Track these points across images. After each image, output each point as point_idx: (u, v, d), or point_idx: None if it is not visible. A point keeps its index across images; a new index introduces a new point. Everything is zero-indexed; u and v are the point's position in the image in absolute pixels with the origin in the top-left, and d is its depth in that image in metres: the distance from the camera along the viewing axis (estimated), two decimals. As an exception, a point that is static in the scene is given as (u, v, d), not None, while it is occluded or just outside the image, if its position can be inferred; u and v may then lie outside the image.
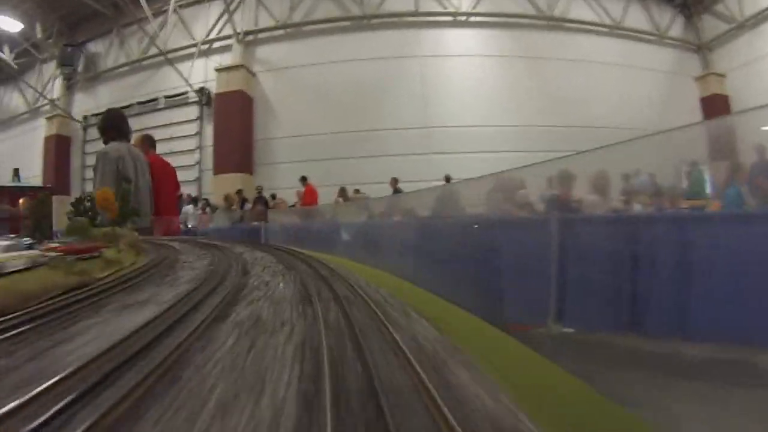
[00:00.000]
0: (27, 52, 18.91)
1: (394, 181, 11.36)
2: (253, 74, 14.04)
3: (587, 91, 13.96)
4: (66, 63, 17.74)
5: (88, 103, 17.01)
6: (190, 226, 11.42)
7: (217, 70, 14.15)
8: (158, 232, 5.84)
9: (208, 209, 11.94)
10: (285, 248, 2.97)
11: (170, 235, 5.58)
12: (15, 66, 19.25)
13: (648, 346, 3.24)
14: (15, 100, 20.38)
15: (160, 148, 14.78)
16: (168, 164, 6.74)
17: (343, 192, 11.48)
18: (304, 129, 13.35)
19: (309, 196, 11.46)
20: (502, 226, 4.90)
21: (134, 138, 6.27)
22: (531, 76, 13.81)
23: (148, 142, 6.62)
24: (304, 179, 11.67)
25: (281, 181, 12.87)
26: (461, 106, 13.27)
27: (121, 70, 16.80)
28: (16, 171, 21.34)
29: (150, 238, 3.53)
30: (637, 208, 4.63)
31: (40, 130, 18.26)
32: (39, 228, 4.28)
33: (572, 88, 13.84)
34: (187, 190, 13.19)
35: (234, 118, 13.85)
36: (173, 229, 6.06)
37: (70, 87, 17.77)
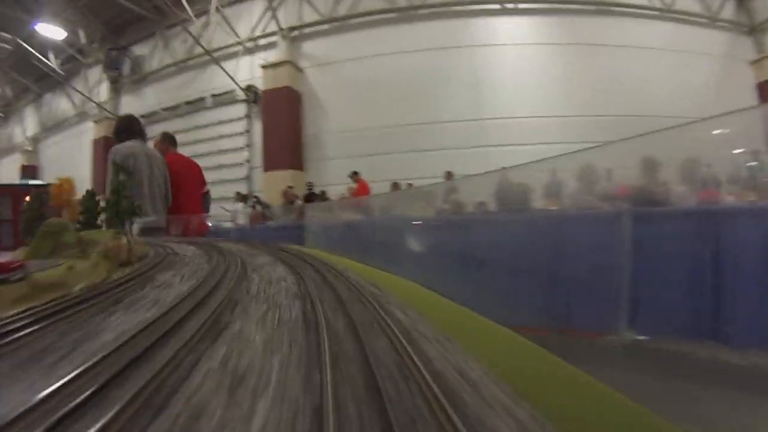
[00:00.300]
0: (72, 58, 19.41)
1: (449, 175, 11.05)
2: (300, 70, 13.88)
3: (638, 78, 13.50)
4: (111, 67, 18.04)
5: (135, 104, 17.22)
6: (239, 224, 11.40)
7: (263, 66, 14.04)
8: (177, 232, 5.72)
9: (258, 207, 11.84)
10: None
11: (191, 235, 5.45)
12: (61, 72, 19.78)
13: (731, 358, 3.00)
14: (63, 105, 20.88)
15: (207, 147, 15.13)
16: (190, 161, 6.61)
17: (396, 187, 11.05)
18: (354, 123, 13.14)
19: (361, 192, 11.22)
20: (570, 222, 4.54)
21: (155, 136, 6.24)
22: (581, 64, 13.40)
23: (168, 140, 6.54)
24: (355, 174, 11.45)
25: (332, 177, 12.73)
26: (513, 96, 12.91)
27: (166, 71, 16.89)
28: (24, 168, 21.82)
29: (154, 240, 3.30)
30: (728, 200, 4.17)
31: (88, 133, 18.65)
32: (30, 230, 4.02)
33: (623, 76, 13.40)
34: (236, 188, 13.10)
35: (282, 115, 13.68)
36: (195, 228, 5.87)
37: (116, 90, 18.04)
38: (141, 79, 17.26)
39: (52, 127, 20.21)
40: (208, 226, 6.38)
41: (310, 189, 11.97)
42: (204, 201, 6.31)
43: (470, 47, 13.38)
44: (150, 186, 4.76)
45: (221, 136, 14.84)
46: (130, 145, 4.76)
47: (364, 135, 12.99)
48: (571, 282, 3.80)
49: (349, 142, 13.17)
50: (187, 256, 2.13)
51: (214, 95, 15.41)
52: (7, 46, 18.83)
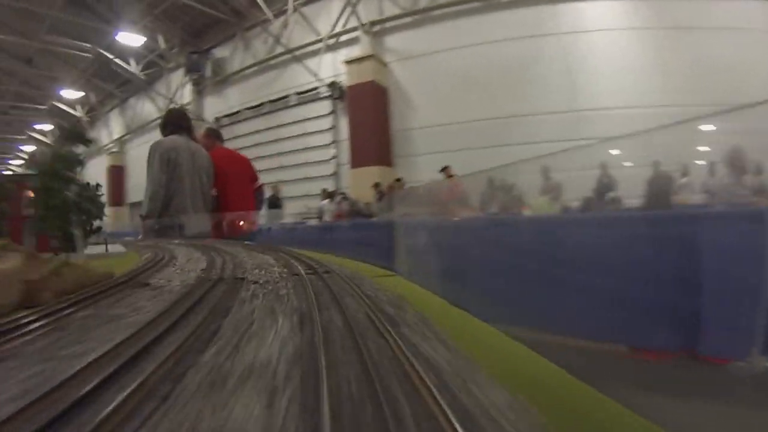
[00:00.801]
0: (153, 63, 20.25)
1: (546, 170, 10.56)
2: (384, 64, 13.71)
3: (735, 62, 12.63)
4: (193, 69, 18.62)
5: (219, 105, 17.68)
6: (325, 220, 11.32)
7: (347, 62, 13.98)
8: (220, 230, 5.53)
9: (344, 203, 11.77)
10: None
11: (237, 233, 5.38)
12: (143, 77, 20.80)
13: None
14: (147, 108, 21.73)
15: (293, 144, 15.21)
16: (239, 156, 6.49)
17: (490, 183, 10.63)
18: (442, 118, 12.84)
19: (454, 188, 10.83)
20: (709, 221, 3.67)
21: (200, 131, 6.13)
22: (675, 49, 12.61)
23: (214, 135, 6.49)
24: (445, 169, 11.13)
25: (421, 173, 12.52)
26: (605, 86, 12.27)
27: (248, 71, 17.17)
28: (111, 169, 22.62)
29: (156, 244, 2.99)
30: None
31: None
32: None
33: (719, 61, 12.57)
34: (323, 185, 13.03)
35: (368, 110, 13.57)
36: (241, 226, 5.74)
37: (199, 92, 18.59)
38: (223, 80, 17.66)
39: (137, 130, 20.94)
40: (256, 224, 6.20)
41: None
42: (257, 197, 6.18)
43: (558, 35, 12.85)
44: (192, 182, 4.65)
45: (307, 134, 14.92)
46: (173, 138, 4.68)
47: (452, 130, 12.68)
48: (703, 295, 3.15)
49: (438, 137, 12.91)
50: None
51: (298, 93, 15.46)
52: (88, 55, 19.82)
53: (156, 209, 4.42)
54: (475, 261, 4.44)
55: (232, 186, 5.46)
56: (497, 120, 12.41)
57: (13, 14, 17.06)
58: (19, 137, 31.74)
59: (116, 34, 17.47)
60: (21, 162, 37.50)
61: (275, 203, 11.79)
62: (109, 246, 3.87)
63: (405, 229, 6.25)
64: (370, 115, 13.49)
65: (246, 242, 5.37)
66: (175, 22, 17.94)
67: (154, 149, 4.58)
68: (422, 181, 12.02)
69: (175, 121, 4.84)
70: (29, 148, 32.78)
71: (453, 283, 3.78)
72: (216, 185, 5.66)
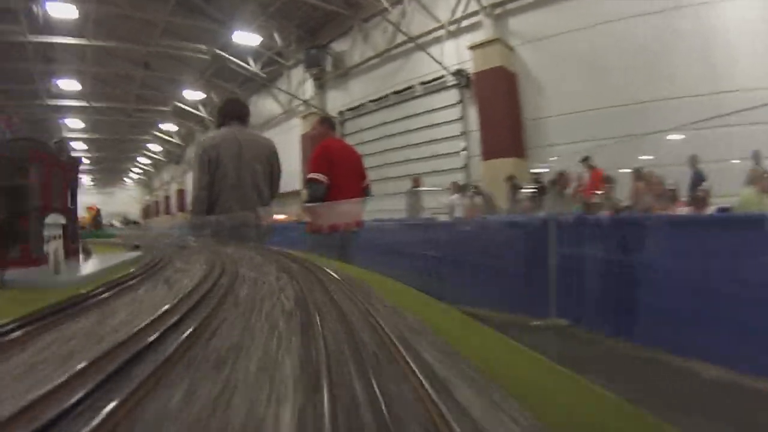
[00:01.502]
0: (272, 60, 21.25)
1: (694, 160, 9.56)
2: (511, 48, 13.63)
3: None
4: (312, 65, 19.14)
5: (342, 98, 18.38)
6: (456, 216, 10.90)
7: (471, 47, 13.99)
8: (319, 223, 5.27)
9: (477, 198, 11.38)
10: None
11: (335, 229, 5.12)
12: (263, 75, 21.79)
13: None
14: (269, 105, 23.03)
15: (420, 137, 15.20)
16: (350, 149, 6.20)
17: (639, 175, 9.41)
18: (578, 104, 12.49)
19: (595, 182, 10.04)
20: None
21: (313, 120, 5.78)
22: None
23: (328, 124, 6.14)
24: (586, 159, 10.45)
25: (556, 165, 11.96)
26: (748, 64, 10.95)
27: (369, 63, 17.57)
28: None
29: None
30: None
31: (296, 129, 20.32)
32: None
33: None
34: (453, 178, 13.13)
35: (497, 98, 13.36)
36: (342, 223, 5.31)
37: (320, 86, 19.26)
38: (344, 73, 18.12)
39: (260, 126, 21.75)
40: (361, 221, 5.86)
41: (537, 179, 11.05)
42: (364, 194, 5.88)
43: (696, 6, 11.47)
44: (240, 176, 4.30)
45: (434, 125, 14.88)
46: (220, 133, 4.39)
47: (590, 117, 12.25)
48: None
49: (574, 126, 12.51)
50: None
51: (422, 83, 15.60)
52: (205, 56, 21.00)
53: (201, 212, 4.30)
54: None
55: (339, 179, 5.30)
56: (635, 106, 11.67)
57: (127, 22, 18.55)
58: (145, 137, 33.97)
59: (232, 35, 18.36)
60: (149, 161, 40.11)
61: (414, 197, 11.62)
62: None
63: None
64: (499, 103, 13.34)
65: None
66: (290, 19, 18.78)
67: (196, 150, 4.42)
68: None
69: (226, 112, 4.64)
70: (156, 147, 35.06)
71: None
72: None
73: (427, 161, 15.15)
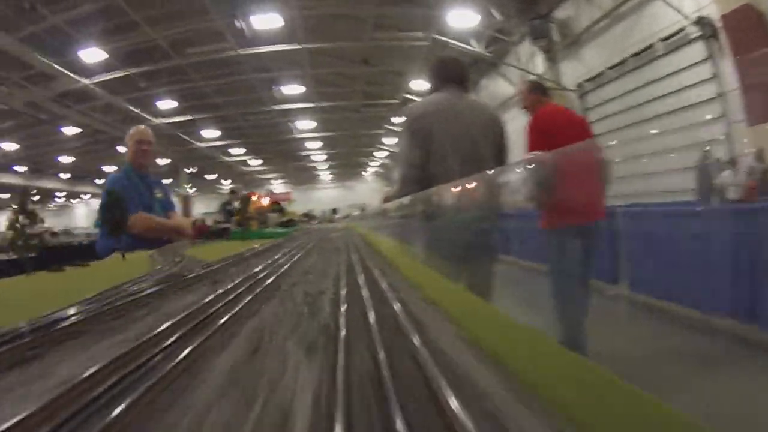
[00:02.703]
0: (496, 39, 20.78)
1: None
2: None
3: None
4: (538, 36, 18.26)
5: (578, 69, 17.88)
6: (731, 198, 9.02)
7: (710, -16, 13.31)
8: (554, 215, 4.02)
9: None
10: None
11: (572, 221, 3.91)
12: (489, 55, 21.53)
13: None
14: (501, 86, 22.59)
15: (666, 105, 12.91)
16: (576, 117, 5.11)
17: None
18: None
19: None
20: None
21: (520, 88, 4.94)
22: None
23: (538, 90, 4.85)
24: None
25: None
26: None
27: (599, 25, 16.28)
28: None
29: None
30: None
31: None
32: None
33: None
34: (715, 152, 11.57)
35: (756, 45, 11.05)
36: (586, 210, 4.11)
37: (551, 59, 18.35)
38: (574, 41, 17.02)
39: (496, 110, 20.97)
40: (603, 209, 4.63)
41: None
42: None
43: None
44: (456, 149, 2.95)
45: (682, 88, 12.77)
46: (429, 100, 3.15)
47: None
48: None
49: None
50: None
51: (662, 39, 13.90)
52: (424, 43, 20.89)
53: (408, 187, 3.14)
54: None
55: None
56: None
57: (335, 22, 19.09)
58: (378, 131, 35.23)
59: (446, 17, 18.30)
60: (384, 154, 41.74)
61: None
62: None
63: None
64: (759, 51, 11.07)
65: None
66: (504, -8, 19.63)
67: (403, 121, 3.33)
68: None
69: (440, 74, 3.44)
70: (390, 140, 36.22)
71: None
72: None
73: (679, 133, 12.78)
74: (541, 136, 4.26)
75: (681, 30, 13.31)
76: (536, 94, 4.79)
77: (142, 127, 5.73)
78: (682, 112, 13.37)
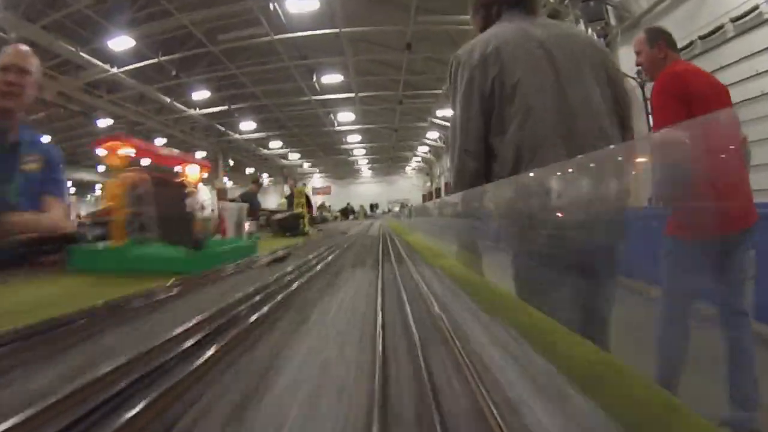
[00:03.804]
0: None
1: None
2: None
3: None
4: (593, 19, 17.42)
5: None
6: None
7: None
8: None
9: None
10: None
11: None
12: None
13: None
14: None
15: (742, 92, 11.72)
16: (714, 81, 3.46)
17: None
18: None
19: None
20: None
21: (637, 38, 3.67)
22: None
23: (665, 41, 3.52)
24: None
25: None
26: None
27: (660, 7, 15.20)
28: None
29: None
30: None
31: None
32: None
33: None
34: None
35: None
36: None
37: (608, 44, 16.95)
38: (634, 24, 15.62)
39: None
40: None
41: None
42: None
43: None
44: (560, 111, 1.64)
45: (760, 74, 11.17)
46: (494, 32, 1.96)
47: None
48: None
49: None
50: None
51: (733, 19, 12.75)
52: (468, 27, 19.18)
53: (468, 174, 1.94)
54: None
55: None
56: None
57: (376, 6, 18.31)
58: (421, 125, 34.21)
59: None
60: (427, 148, 40.98)
61: None
62: None
63: None
64: None
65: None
66: (554, -29, 18.94)
67: (452, 70, 2.05)
68: None
69: None
70: (433, 134, 35.21)
71: None
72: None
73: (757, 123, 11.59)
74: (676, 103, 3.05)
75: (755, 9, 12.20)
76: (663, 47, 3.51)
77: (14, 45, 2.92)
78: (765, 99, 11.51)
